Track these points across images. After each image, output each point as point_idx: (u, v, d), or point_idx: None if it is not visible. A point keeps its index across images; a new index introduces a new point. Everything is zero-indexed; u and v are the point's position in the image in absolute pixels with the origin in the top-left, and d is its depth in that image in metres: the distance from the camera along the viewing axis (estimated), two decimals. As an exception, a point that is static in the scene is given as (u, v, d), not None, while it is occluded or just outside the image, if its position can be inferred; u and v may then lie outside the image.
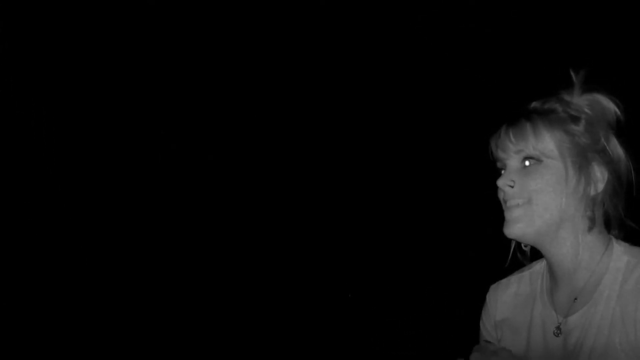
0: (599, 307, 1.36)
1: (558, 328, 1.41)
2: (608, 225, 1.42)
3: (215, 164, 4.81)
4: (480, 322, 1.61)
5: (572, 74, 1.44)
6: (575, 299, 1.41)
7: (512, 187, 1.39)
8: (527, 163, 1.39)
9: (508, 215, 1.40)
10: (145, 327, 4.26)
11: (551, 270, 1.46)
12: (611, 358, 1.32)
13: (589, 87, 1.44)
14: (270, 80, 4.85)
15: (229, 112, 4.86)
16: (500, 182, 1.41)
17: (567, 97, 1.43)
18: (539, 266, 1.53)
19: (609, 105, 1.42)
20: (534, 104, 1.44)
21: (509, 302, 1.54)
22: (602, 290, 1.38)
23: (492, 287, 1.60)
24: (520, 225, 1.38)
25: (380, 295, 4.59)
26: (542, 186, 1.38)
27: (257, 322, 4.40)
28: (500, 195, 1.43)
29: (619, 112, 1.42)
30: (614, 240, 1.42)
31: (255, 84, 4.85)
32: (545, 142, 1.38)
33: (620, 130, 1.43)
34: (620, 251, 1.40)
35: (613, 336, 1.32)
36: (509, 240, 1.46)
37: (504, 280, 1.58)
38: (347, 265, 4.74)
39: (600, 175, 1.38)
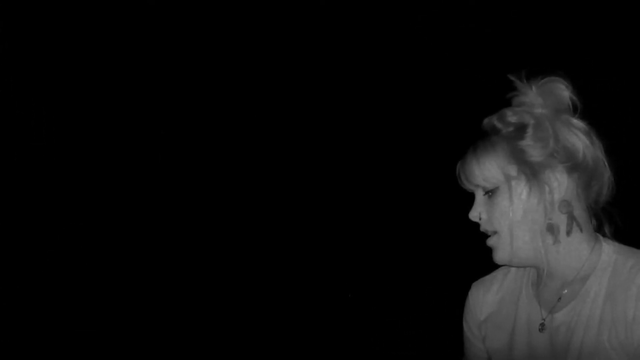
0: (587, 305, 1.35)
1: (543, 324, 1.40)
2: (598, 222, 1.40)
3: (215, 163, 4.81)
4: (464, 320, 1.58)
5: (511, 77, 1.40)
6: (559, 299, 1.39)
7: (480, 219, 1.40)
8: (487, 195, 1.39)
9: (488, 242, 1.42)
10: (145, 327, 4.27)
11: (536, 270, 1.45)
12: (601, 356, 1.30)
13: (542, 76, 1.39)
14: (270, 80, 4.85)
15: (229, 112, 4.86)
16: (470, 216, 1.42)
17: (523, 98, 1.38)
18: None
19: (559, 91, 1.37)
20: (483, 123, 1.41)
21: (492, 299, 1.53)
22: (590, 288, 1.36)
23: (474, 284, 1.58)
24: (499, 252, 1.39)
25: (380, 295, 4.59)
26: (499, 215, 1.37)
27: (257, 322, 4.40)
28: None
29: (572, 94, 1.37)
30: (601, 239, 1.40)
31: (255, 84, 4.85)
32: (491, 170, 1.37)
33: (578, 111, 1.37)
34: (608, 250, 1.38)
35: (602, 334, 1.31)
36: None
37: (487, 277, 1.57)
38: (347, 265, 4.74)
39: (558, 179, 1.34)
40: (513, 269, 1.53)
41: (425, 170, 4.59)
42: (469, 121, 1.48)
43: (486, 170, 1.37)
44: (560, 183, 1.34)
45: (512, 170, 1.35)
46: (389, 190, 4.85)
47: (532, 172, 1.34)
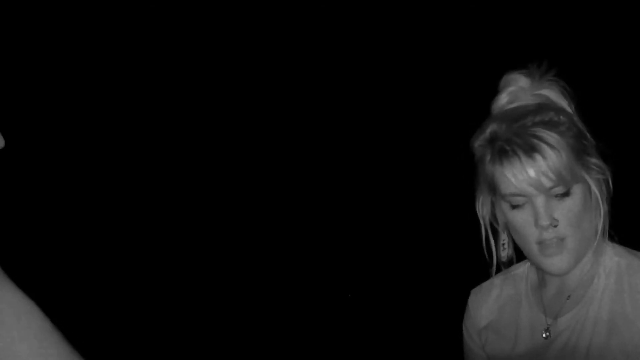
0: (592, 308, 1.33)
1: (547, 330, 1.38)
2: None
3: (215, 163, 4.81)
4: (463, 327, 1.57)
5: (525, 72, 1.36)
6: (569, 296, 1.37)
7: (556, 226, 1.29)
8: (557, 192, 1.28)
9: (547, 252, 1.31)
10: (144, 327, 4.26)
11: (540, 272, 1.42)
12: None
13: (540, 75, 1.37)
14: (270, 80, 4.84)
15: (229, 112, 4.86)
16: (544, 223, 1.28)
17: (546, 95, 1.34)
18: (522, 269, 1.49)
19: (563, 91, 1.36)
20: (538, 119, 1.30)
21: (492, 305, 1.50)
22: (595, 291, 1.34)
23: (474, 291, 1.56)
24: (565, 261, 1.31)
25: (380, 295, 4.58)
26: (573, 218, 1.29)
27: (257, 322, 4.40)
28: (529, 233, 1.32)
29: (570, 99, 1.36)
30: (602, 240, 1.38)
31: (255, 84, 4.84)
32: (572, 168, 1.28)
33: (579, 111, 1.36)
34: (609, 252, 1.37)
35: (611, 338, 1.29)
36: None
37: (486, 284, 1.54)
38: (347, 265, 4.73)
39: (603, 175, 1.33)
40: (510, 275, 1.50)
41: (427, 170, 4.59)
42: (469, 121, 1.46)
43: (568, 167, 1.26)
44: (604, 180, 1.34)
45: (580, 167, 1.30)
46: (389, 190, 4.85)
47: (589, 168, 1.31)
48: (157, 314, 4.39)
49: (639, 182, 3.31)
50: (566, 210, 1.29)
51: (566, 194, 1.28)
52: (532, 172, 1.27)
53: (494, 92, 1.43)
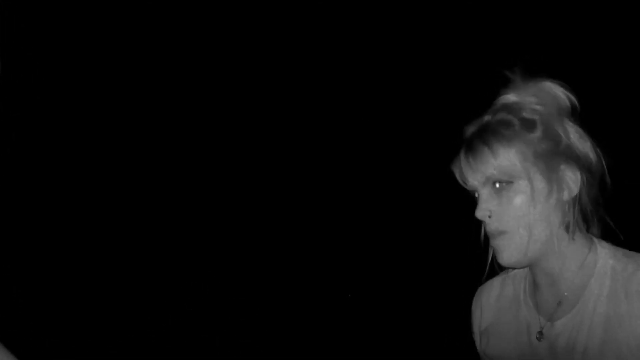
0: (587, 312, 1.33)
1: (540, 332, 1.38)
2: (587, 223, 1.38)
3: (215, 163, 4.81)
4: (472, 328, 1.58)
5: (509, 72, 1.38)
6: (560, 302, 1.37)
7: (490, 217, 1.34)
8: (497, 186, 1.33)
9: (493, 243, 1.36)
10: (143, 327, 4.27)
11: (534, 275, 1.42)
12: None
13: (529, 76, 1.38)
14: (269, 80, 4.85)
15: (229, 112, 4.86)
16: (478, 214, 1.35)
17: (513, 97, 1.36)
18: (521, 269, 1.49)
19: (558, 92, 1.36)
20: (486, 119, 1.36)
21: (492, 306, 1.51)
22: (590, 294, 1.34)
23: (477, 292, 1.56)
24: (509, 254, 1.33)
25: (380, 295, 4.59)
26: (515, 213, 1.32)
27: (257, 322, 4.41)
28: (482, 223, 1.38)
29: (571, 97, 1.36)
30: (596, 241, 1.38)
31: (255, 84, 4.85)
32: (507, 161, 1.31)
33: (577, 115, 1.36)
34: (604, 254, 1.36)
35: (607, 341, 1.29)
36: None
37: (486, 284, 1.54)
38: (347, 265, 4.74)
39: (572, 176, 1.33)
40: (510, 275, 1.51)
41: (427, 169, 4.60)
42: (466, 120, 1.46)
43: (504, 160, 1.31)
44: (575, 181, 1.33)
45: (530, 166, 1.31)
46: (389, 190, 4.85)
47: (549, 167, 1.32)
48: (156, 314, 4.39)
49: (636, 182, 3.31)
50: (504, 203, 1.32)
51: (505, 188, 1.32)
52: (465, 166, 1.35)
53: (490, 93, 1.42)
